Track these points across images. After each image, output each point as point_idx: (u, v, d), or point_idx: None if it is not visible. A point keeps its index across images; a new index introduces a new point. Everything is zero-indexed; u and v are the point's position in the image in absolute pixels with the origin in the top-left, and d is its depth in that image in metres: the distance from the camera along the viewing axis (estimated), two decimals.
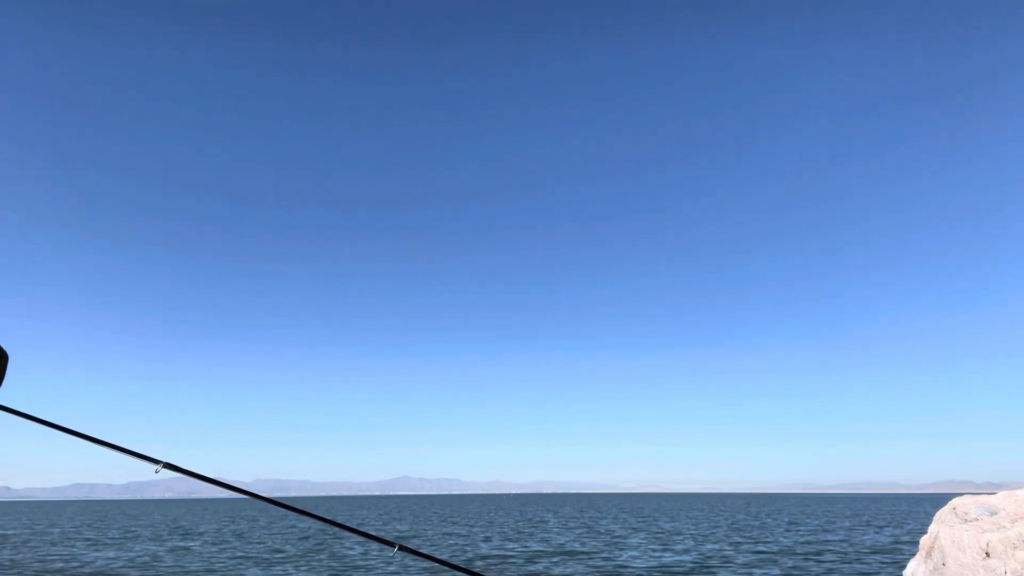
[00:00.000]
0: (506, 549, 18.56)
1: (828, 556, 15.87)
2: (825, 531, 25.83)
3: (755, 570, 13.52)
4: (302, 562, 15.54)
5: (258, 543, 21.67)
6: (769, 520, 34.93)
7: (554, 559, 15.42)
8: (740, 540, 21.15)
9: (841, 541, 20.63)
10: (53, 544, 23.47)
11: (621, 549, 17.80)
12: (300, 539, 23.53)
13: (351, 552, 17.82)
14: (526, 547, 18.93)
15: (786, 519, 35.62)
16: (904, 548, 19.01)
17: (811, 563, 14.42)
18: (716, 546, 18.67)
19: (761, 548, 17.49)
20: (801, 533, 24.70)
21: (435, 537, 24.82)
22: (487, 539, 23.29)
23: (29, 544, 23.43)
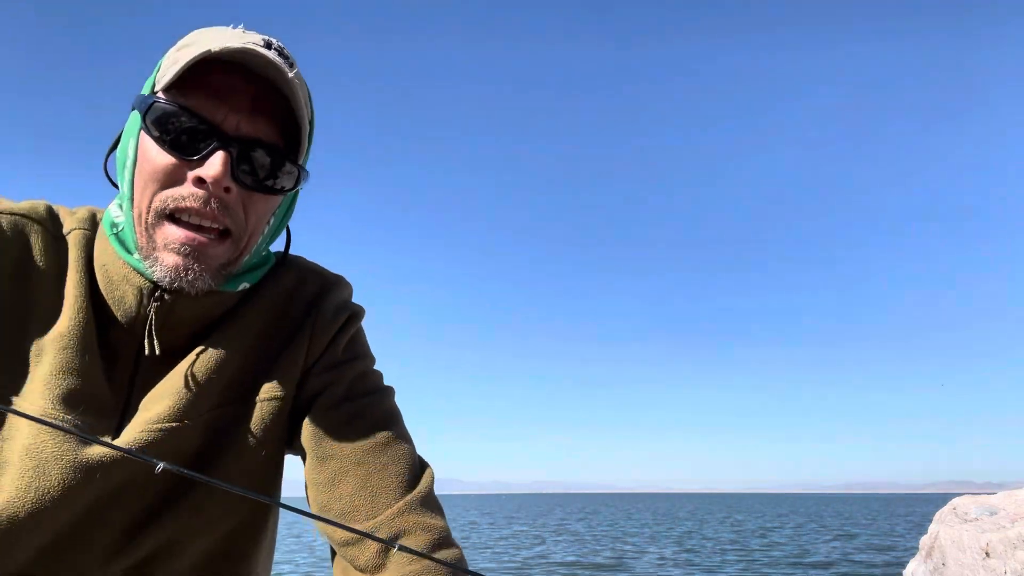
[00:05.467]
0: (517, 555, 18.41)
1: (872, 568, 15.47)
2: (850, 537, 25.68)
3: None
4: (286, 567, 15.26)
5: None
6: (791, 524, 34.32)
7: (581, 571, 14.61)
8: (763, 548, 20.97)
9: (871, 549, 20.48)
10: None
11: (643, 559, 17.35)
12: (292, 537, 23.46)
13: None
14: (539, 554, 18.72)
15: (807, 523, 34.95)
16: (904, 548, 18.98)
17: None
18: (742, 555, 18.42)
19: (804, 560, 16.74)
20: (832, 539, 24.42)
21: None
22: (494, 542, 23.17)
23: None
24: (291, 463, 1.00)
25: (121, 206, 0.87)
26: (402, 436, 0.95)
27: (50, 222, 0.90)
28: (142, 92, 0.85)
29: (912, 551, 4.29)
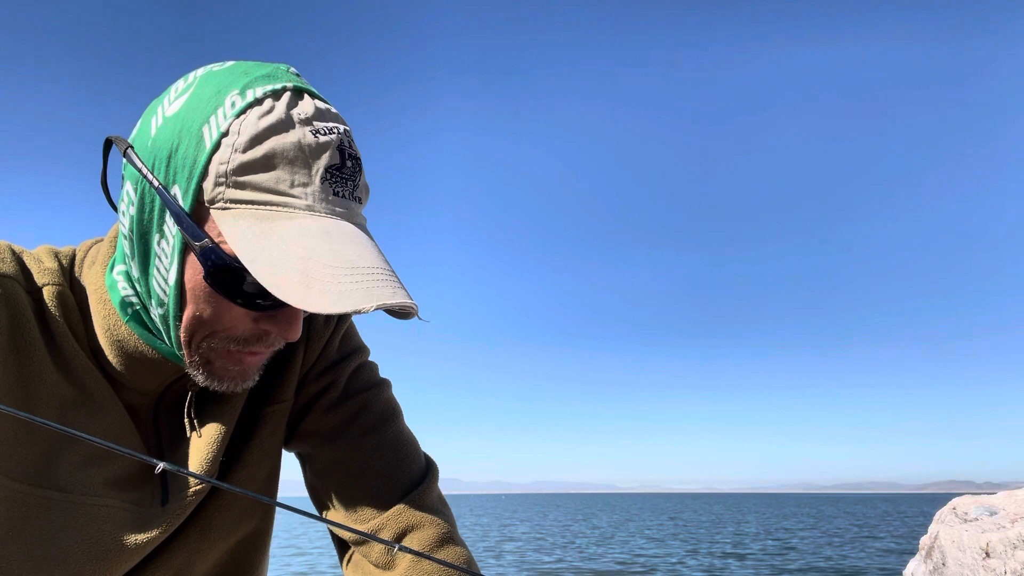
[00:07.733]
0: (519, 558, 18.23)
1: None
2: (867, 538, 25.46)
3: None
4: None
5: None
6: (802, 526, 33.81)
7: None
8: (777, 552, 20.84)
9: (884, 550, 20.35)
10: None
11: (652, 563, 16.85)
12: (289, 535, 23.39)
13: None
14: (542, 558, 18.53)
15: (820, 524, 34.38)
16: (904, 548, 18.93)
17: None
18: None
19: (816, 564, 16.46)
20: (846, 542, 24.20)
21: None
22: (495, 544, 23.02)
23: None
24: (287, 465, 1.00)
25: (135, 289, 0.76)
26: (403, 431, 0.95)
27: (22, 276, 0.76)
28: (181, 184, 0.67)
29: (912, 551, 4.29)
